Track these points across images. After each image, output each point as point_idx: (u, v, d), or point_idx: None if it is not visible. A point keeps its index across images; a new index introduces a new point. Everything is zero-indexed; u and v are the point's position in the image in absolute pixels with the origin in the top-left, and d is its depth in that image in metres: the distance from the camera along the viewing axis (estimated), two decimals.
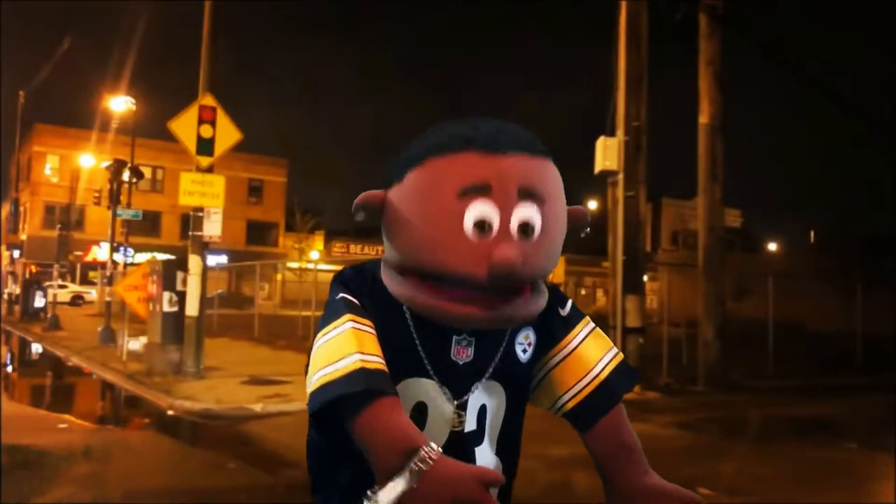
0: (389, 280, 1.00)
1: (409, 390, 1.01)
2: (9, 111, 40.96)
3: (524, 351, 1.08)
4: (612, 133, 10.16)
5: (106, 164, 17.24)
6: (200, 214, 9.56)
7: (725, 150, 11.26)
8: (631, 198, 9.99)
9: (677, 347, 11.43)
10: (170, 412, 7.88)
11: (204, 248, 9.74)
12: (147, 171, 30.98)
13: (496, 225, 0.92)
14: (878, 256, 21.95)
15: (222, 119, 9.58)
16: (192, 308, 9.47)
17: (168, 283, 9.69)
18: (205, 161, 9.53)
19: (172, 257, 10.76)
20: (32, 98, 39.07)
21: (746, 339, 11.82)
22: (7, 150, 37.37)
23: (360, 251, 43.80)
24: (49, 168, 38.68)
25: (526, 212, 0.93)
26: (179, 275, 9.67)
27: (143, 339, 10.64)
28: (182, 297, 9.58)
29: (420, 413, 1.02)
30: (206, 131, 9.47)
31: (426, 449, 0.83)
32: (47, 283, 22.73)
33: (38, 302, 22.40)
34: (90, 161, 28.83)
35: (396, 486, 0.81)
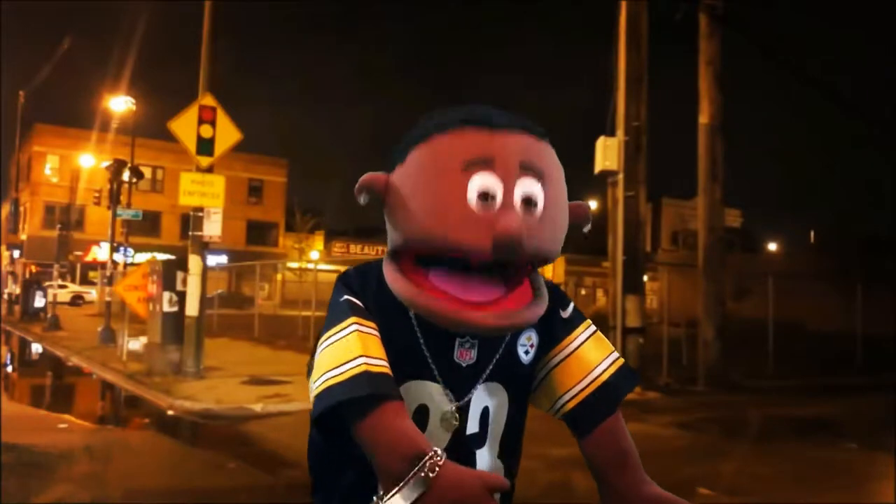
0: (392, 278, 0.99)
1: (411, 392, 1.01)
2: (9, 111, 41.01)
3: (526, 352, 1.07)
4: (612, 133, 10.17)
5: (106, 164, 17.24)
6: (200, 214, 9.56)
7: (725, 150, 11.26)
8: (631, 198, 10.00)
9: (677, 347, 11.43)
10: (170, 412, 7.88)
11: (204, 248, 9.74)
12: (147, 171, 30.99)
13: (500, 196, 0.92)
14: (878, 256, 21.95)
15: (222, 119, 9.58)
16: (192, 308, 9.47)
17: (168, 283, 9.69)
18: (205, 161, 9.54)
19: (172, 257, 10.75)
20: (32, 98, 39.10)
21: (746, 339, 11.82)
22: (7, 150, 37.42)
23: (360, 251, 43.81)
24: (49, 168, 38.68)
25: (528, 185, 0.94)
26: (179, 275, 9.67)
27: (143, 339, 10.64)
28: (182, 297, 9.58)
29: (422, 415, 1.02)
30: (206, 131, 9.47)
31: (432, 455, 0.83)
32: (47, 283, 22.73)
33: (38, 302, 22.39)
34: (90, 161, 28.83)
35: (405, 495, 0.81)
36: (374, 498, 0.83)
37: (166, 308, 9.67)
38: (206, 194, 9.49)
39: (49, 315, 18.96)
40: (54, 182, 37.52)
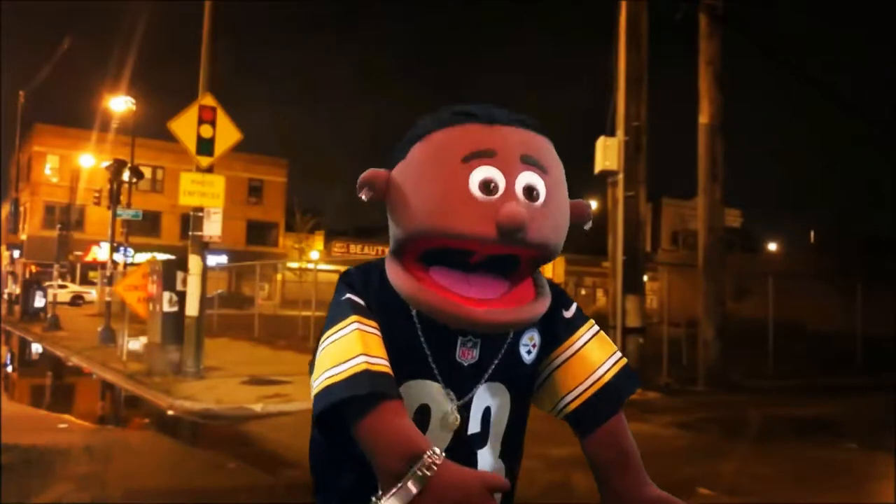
0: (394, 276, 0.99)
1: (412, 392, 1.01)
2: (9, 111, 41.02)
3: (528, 352, 1.07)
4: (612, 133, 10.16)
5: (106, 164, 17.23)
6: (200, 214, 9.56)
7: (725, 150, 11.26)
8: (631, 198, 10.00)
9: (677, 347, 11.43)
10: (170, 412, 7.88)
11: (204, 248, 9.74)
12: (147, 171, 30.99)
13: (501, 187, 0.93)
14: (878, 256, 21.96)
15: (222, 119, 9.58)
16: (192, 308, 9.47)
17: (168, 283, 9.69)
18: (205, 161, 9.54)
19: (172, 257, 10.75)
20: (32, 98, 39.10)
21: (746, 339, 11.82)
22: (7, 150, 37.44)
23: (360, 251, 43.81)
24: (49, 168, 38.67)
25: (530, 177, 0.95)
26: (179, 275, 9.67)
27: (143, 339, 10.64)
28: (182, 297, 9.58)
29: (423, 415, 1.02)
30: (206, 131, 9.47)
31: (430, 454, 0.83)
32: (47, 283, 22.73)
33: (38, 302, 22.40)
34: (90, 161, 28.84)
35: (402, 495, 0.81)
36: (373, 498, 0.83)
37: (166, 308, 9.67)
38: (206, 194, 9.49)
39: (49, 315, 18.96)
40: (54, 182, 37.52)
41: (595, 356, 1.08)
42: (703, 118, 11.21)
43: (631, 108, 10.06)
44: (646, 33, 10.27)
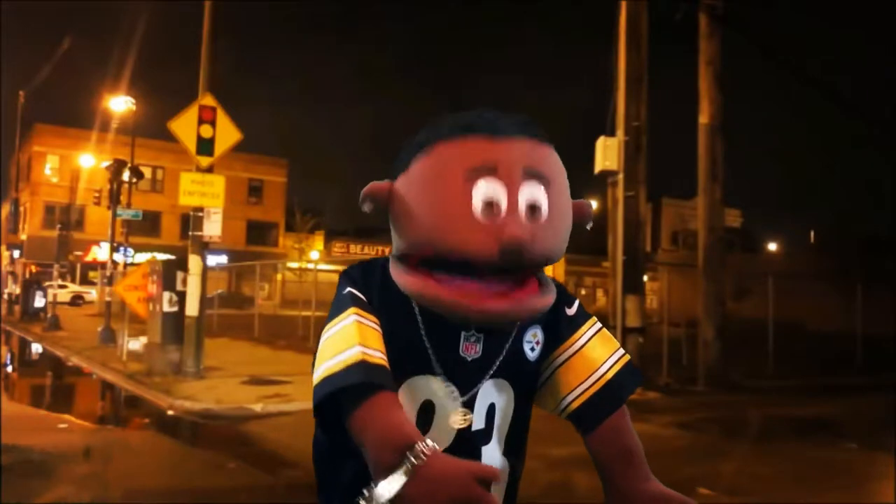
0: (398, 274, 0.99)
1: (416, 388, 1.01)
2: (9, 111, 41.04)
3: (532, 349, 1.07)
4: (612, 133, 10.16)
5: (106, 164, 17.23)
6: (200, 214, 9.56)
7: (725, 150, 11.26)
8: (631, 198, 10.00)
9: (677, 347, 11.43)
10: (170, 412, 7.88)
11: (204, 248, 9.74)
12: (147, 171, 31.00)
13: (504, 204, 0.92)
14: (878, 256, 21.98)
15: (222, 119, 9.58)
16: (192, 308, 9.47)
17: (168, 283, 9.69)
18: (205, 161, 9.54)
19: (172, 257, 10.75)
20: (32, 98, 39.16)
21: (746, 339, 11.82)
22: (7, 150, 37.41)
23: (360, 251, 43.80)
24: (49, 168, 38.67)
25: (532, 192, 0.94)
26: (179, 275, 9.67)
27: (143, 339, 10.64)
28: (182, 297, 9.58)
29: (427, 412, 1.02)
30: (206, 131, 9.47)
31: (420, 445, 0.82)
32: (47, 283, 22.73)
33: (38, 302, 22.40)
34: (90, 161, 28.83)
35: (391, 483, 0.81)
36: (364, 490, 0.83)
37: (166, 308, 9.67)
38: (206, 194, 9.49)
39: (49, 315, 18.96)
40: (54, 182, 37.52)
41: (597, 353, 1.07)
42: (703, 118, 11.21)
43: (631, 108, 10.05)
44: (646, 33, 10.27)
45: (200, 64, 9.80)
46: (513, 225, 0.91)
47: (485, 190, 0.92)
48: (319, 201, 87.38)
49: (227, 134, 9.66)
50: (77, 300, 31.55)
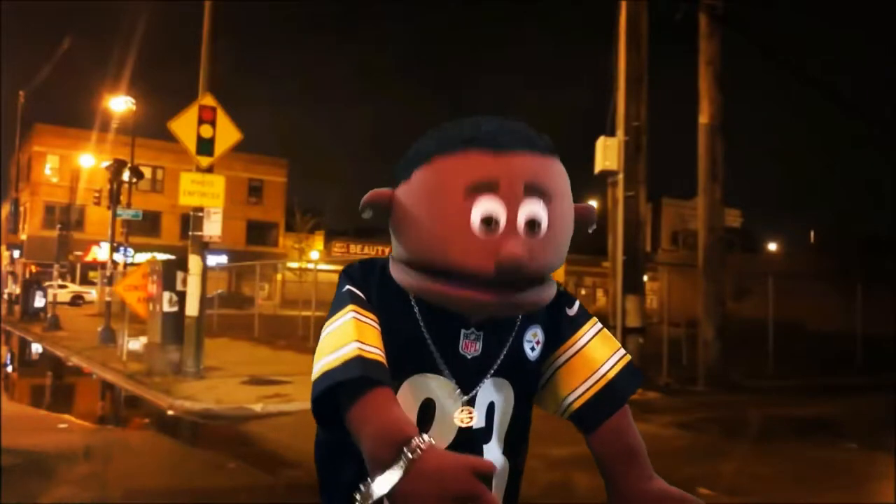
0: (398, 273, 1.00)
1: (416, 387, 1.01)
2: (9, 111, 41.06)
3: (532, 349, 1.07)
4: (612, 133, 10.16)
5: (106, 164, 17.24)
6: (200, 214, 9.56)
7: (725, 150, 11.26)
8: (631, 198, 10.00)
9: (677, 347, 11.43)
10: (170, 412, 7.88)
11: (204, 248, 9.74)
12: (147, 171, 31.01)
13: (503, 221, 0.92)
14: (878, 256, 21.98)
15: (222, 119, 9.58)
16: (192, 308, 9.47)
17: (168, 283, 9.70)
18: (205, 161, 9.54)
19: (172, 257, 10.75)
20: (32, 98, 39.18)
21: (746, 339, 11.82)
22: (7, 150, 37.42)
23: (360, 251, 43.80)
24: (49, 168, 38.68)
25: (532, 208, 0.94)
26: (179, 275, 9.67)
27: (143, 339, 10.65)
28: (182, 297, 9.58)
29: (427, 410, 1.02)
30: (206, 131, 9.48)
31: (417, 440, 0.82)
32: (47, 283, 22.73)
33: (38, 302, 22.40)
34: (90, 161, 28.85)
35: (387, 479, 0.81)
36: (361, 485, 0.83)
37: (166, 308, 9.68)
38: (206, 194, 9.49)
39: (49, 315, 18.96)
40: (54, 182, 37.52)
41: (598, 354, 1.07)
42: (703, 118, 11.21)
43: (631, 108, 10.06)
44: (646, 33, 10.27)
45: (200, 64, 9.80)
46: (510, 242, 0.91)
47: (484, 207, 0.92)
48: (319, 201, 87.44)
49: (227, 134, 9.66)
50: (77, 300, 31.55)
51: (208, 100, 9.52)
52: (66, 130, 38.29)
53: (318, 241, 44.44)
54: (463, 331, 1.02)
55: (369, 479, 0.82)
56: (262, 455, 6.05)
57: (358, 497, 0.82)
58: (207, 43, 9.78)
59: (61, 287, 26.38)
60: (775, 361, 11.91)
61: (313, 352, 1.01)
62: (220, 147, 9.62)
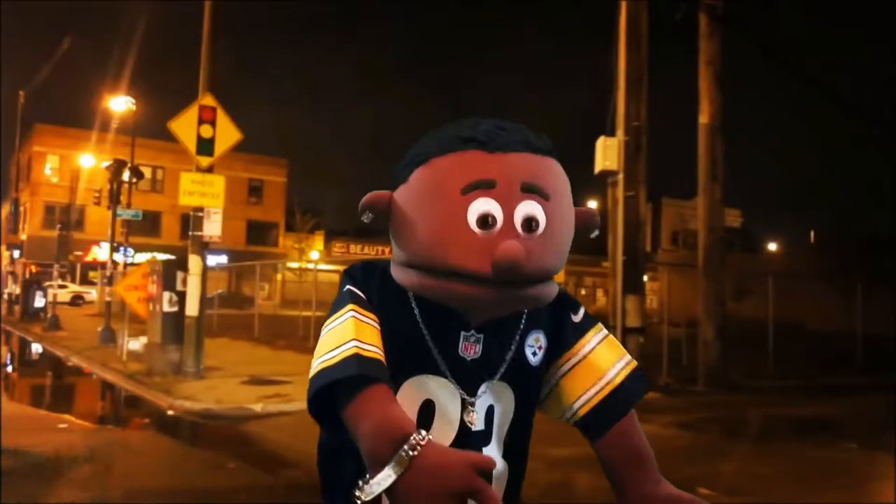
0: (399, 272, 1.00)
1: (416, 388, 1.01)
2: (9, 111, 41.06)
3: (534, 354, 1.07)
4: (612, 133, 10.16)
5: (106, 164, 17.25)
6: (200, 214, 9.56)
7: (725, 150, 11.26)
8: (631, 198, 10.00)
9: (677, 347, 11.43)
10: (170, 412, 7.88)
11: (204, 248, 9.74)
12: (147, 171, 31.00)
13: (500, 220, 0.92)
14: (878, 256, 21.98)
15: (222, 119, 9.58)
16: (192, 308, 9.47)
17: (168, 283, 9.70)
18: (205, 161, 9.54)
19: (172, 257, 10.76)
20: (32, 98, 39.19)
21: (746, 339, 11.82)
22: (7, 150, 37.45)
23: (360, 251, 43.82)
24: (49, 168, 38.69)
25: (530, 207, 0.93)
26: (179, 275, 9.67)
27: (143, 339, 10.65)
28: (182, 297, 9.58)
29: (428, 411, 1.02)
30: (206, 131, 9.48)
31: (415, 436, 0.82)
32: (47, 283, 22.74)
33: (38, 302, 22.41)
34: (90, 161, 28.86)
35: (385, 476, 0.80)
36: (360, 482, 0.83)
37: (166, 308, 9.68)
38: (206, 194, 9.50)
39: (49, 315, 18.96)
40: (54, 182, 37.53)
41: (604, 360, 1.07)
42: (703, 118, 11.21)
43: (631, 108, 10.05)
44: (646, 33, 10.27)
45: (200, 64, 9.81)
46: (507, 242, 0.90)
47: (480, 206, 0.91)
48: (319, 201, 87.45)
49: (227, 134, 9.66)
50: (77, 300, 31.55)
51: (208, 100, 9.52)
52: (66, 130, 38.29)
53: (318, 241, 44.43)
54: (463, 333, 1.02)
55: (368, 476, 0.82)
56: (262, 455, 6.05)
57: (357, 493, 0.82)
58: (207, 43, 9.78)
59: (61, 287, 26.38)
60: (775, 361, 11.91)
61: (313, 352, 1.01)
62: (220, 147, 9.63)
